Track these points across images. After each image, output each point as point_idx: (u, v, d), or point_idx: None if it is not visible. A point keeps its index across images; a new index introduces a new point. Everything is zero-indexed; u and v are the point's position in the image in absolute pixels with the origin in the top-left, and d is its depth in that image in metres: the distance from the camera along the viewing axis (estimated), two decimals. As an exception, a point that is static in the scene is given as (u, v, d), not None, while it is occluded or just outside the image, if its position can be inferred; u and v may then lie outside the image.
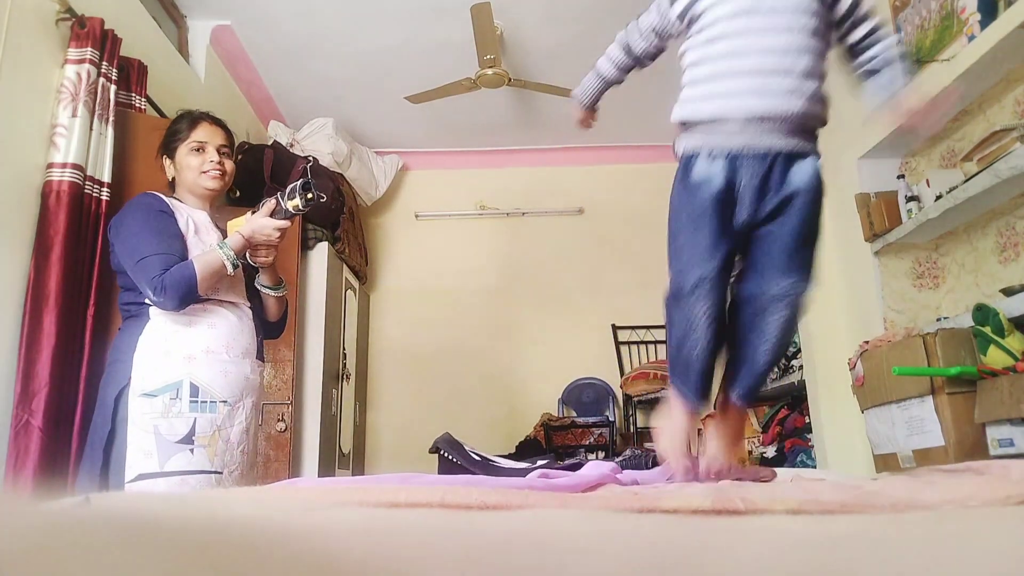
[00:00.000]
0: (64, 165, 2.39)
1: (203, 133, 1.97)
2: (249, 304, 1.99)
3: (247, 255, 1.89)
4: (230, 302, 1.89)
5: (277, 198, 1.86)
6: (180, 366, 1.74)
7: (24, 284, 2.29)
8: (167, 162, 1.99)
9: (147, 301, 1.77)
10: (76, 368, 2.35)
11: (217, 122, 2.03)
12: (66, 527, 0.22)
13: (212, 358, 1.78)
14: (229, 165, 1.99)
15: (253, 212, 1.89)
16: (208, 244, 1.88)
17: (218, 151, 1.97)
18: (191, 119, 1.99)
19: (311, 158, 4.12)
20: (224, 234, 1.94)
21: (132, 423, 1.68)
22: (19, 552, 0.20)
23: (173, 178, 1.99)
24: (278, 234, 1.86)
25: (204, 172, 1.93)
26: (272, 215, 1.85)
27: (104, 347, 2.47)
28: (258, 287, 2.02)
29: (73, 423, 2.29)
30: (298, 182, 1.83)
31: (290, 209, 1.84)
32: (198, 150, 1.95)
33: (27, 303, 2.26)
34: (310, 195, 1.83)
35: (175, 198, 1.94)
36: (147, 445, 1.66)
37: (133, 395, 1.70)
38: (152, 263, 1.72)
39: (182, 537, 0.24)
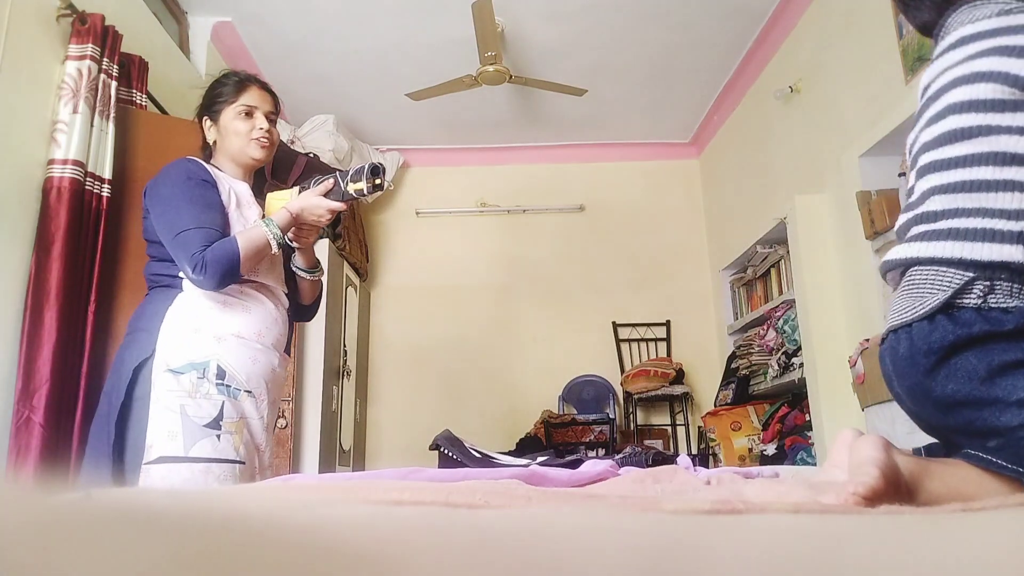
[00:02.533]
0: (65, 161, 2.39)
1: (253, 97, 1.80)
2: (286, 290, 1.87)
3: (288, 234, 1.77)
4: (267, 287, 1.78)
5: (336, 178, 1.73)
6: (209, 345, 1.63)
7: (25, 280, 2.30)
8: (208, 124, 1.82)
9: (181, 275, 1.66)
10: (77, 364, 2.35)
11: (265, 87, 1.86)
12: (66, 521, 0.22)
13: (242, 344, 1.67)
14: (276, 134, 1.85)
15: (301, 189, 1.76)
16: (249, 220, 1.75)
17: (267, 117, 1.82)
18: (238, 81, 1.82)
19: (312, 154, 4.13)
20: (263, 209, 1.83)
21: (156, 400, 1.57)
22: (19, 546, 0.20)
23: (212, 142, 1.82)
24: (329, 216, 1.73)
25: (253, 139, 1.78)
26: (328, 194, 1.72)
27: (105, 345, 2.47)
28: (293, 269, 1.90)
29: (74, 419, 2.30)
30: (366, 164, 1.70)
31: (351, 192, 1.71)
32: (247, 115, 1.79)
33: (28, 299, 2.26)
34: (379, 180, 1.70)
35: (214, 166, 1.80)
36: (172, 426, 1.55)
37: (158, 370, 1.59)
38: (192, 237, 1.59)
39: (183, 532, 0.24)
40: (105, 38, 2.59)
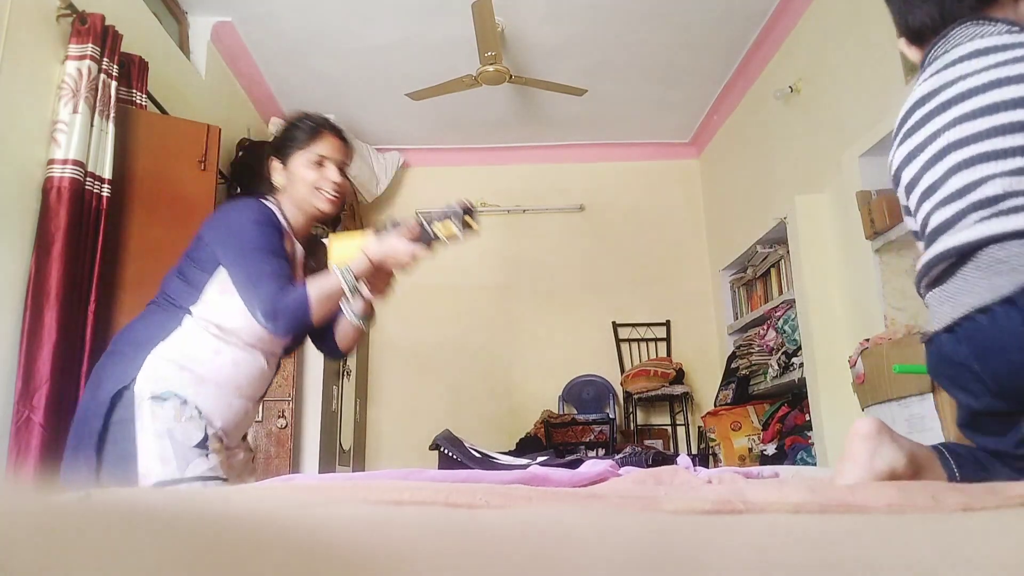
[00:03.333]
0: (65, 161, 2.39)
1: (326, 146, 1.72)
2: (284, 354, 1.75)
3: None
4: (267, 349, 1.68)
5: (422, 222, 1.59)
6: (190, 385, 1.58)
7: (25, 280, 2.30)
8: (276, 165, 1.74)
9: (191, 307, 1.60)
10: (77, 364, 2.35)
11: (340, 134, 1.78)
12: (66, 521, 0.22)
13: (220, 391, 1.61)
14: (346, 186, 1.76)
15: (377, 232, 1.63)
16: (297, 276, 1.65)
17: (339, 168, 1.73)
18: (313, 126, 1.74)
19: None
20: (323, 252, 1.72)
21: (142, 429, 1.53)
22: (19, 546, 0.20)
23: (279, 186, 1.74)
24: (412, 262, 1.60)
25: (321, 191, 1.69)
26: (412, 239, 1.59)
27: (105, 343, 2.47)
28: (346, 314, 1.73)
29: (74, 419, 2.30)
30: (455, 204, 1.57)
31: (441, 235, 1.57)
32: (318, 164, 1.70)
33: (28, 300, 2.26)
34: (471, 221, 1.57)
35: (278, 208, 1.71)
36: (163, 451, 1.52)
37: (140, 398, 1.55)
38: (269, 284, 1.53)
39: (182, 532, 0.24)
40: (105, 38, 2.59)
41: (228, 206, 1.69)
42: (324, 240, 1.80)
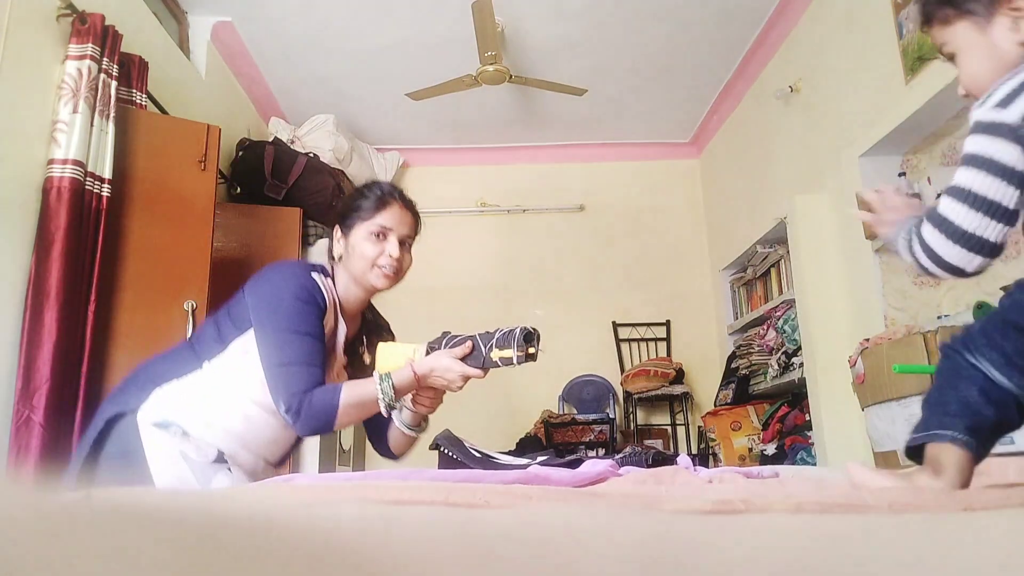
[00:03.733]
0: (65, 161, 2.39)
1: (390, 217, 1.60)
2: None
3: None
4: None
5: (477, 340, 1.50)
6: (195, 424, 1.49)
7: (25, 280, 2.29)
8: (338, 234, 1.65)
9: (209, 359, 1.53)
10: (77, 364, 2.35)
11: (408, 205, 1.67)
12: (66, 521, 0.22)
13: (229, 437, 1.53)
14: (407, 261, 1.65)
15: (429, 347, 1.54)
16: (336, 363, 1.57)
17: (401, 242, 1.62)
18: (380, 196, 1.62)
19: (312, 154, 4.12)
20: (377, 336, 1.65)
21: (153, 458, 1.45)
22: (19, 546, 0.20)
23: (338, 257, 1.65)
24: (461, 382, 1.50)
25: (378, 266, 1.59)
26: (465, 358, 1.50)
27: (105, 343, 2.48)
28: (395, 422, 1.66)
29: (74, 419, 2.30)
30: (517, 329, 1.48)
31: (495, 359, 1.48)
32: (379, 236, 1.59)
33: (28, 299, 2.26)
34: (532, 349, 1.48)
35: (331, 277, 1.62)
36: (180, 472, 1.44)
37: (143, 423, 1.46)
38: (297, 374, 1.44)
39: (182, 532, 0.24)
40: (105, 38, 2.59)
41: (274, 269, 1.59)
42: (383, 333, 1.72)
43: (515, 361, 1.47)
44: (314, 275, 1.57)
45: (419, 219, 1.70)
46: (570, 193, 5.26)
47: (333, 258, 1.66)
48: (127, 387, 1.55)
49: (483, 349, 1.49)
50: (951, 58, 1.09)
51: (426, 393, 1.57)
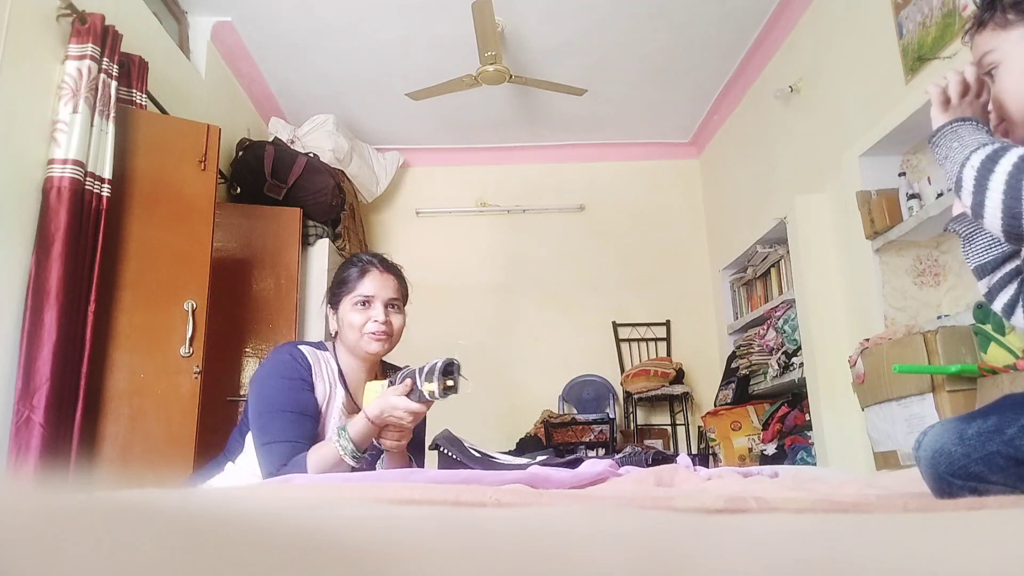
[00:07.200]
0: (65, 161, 2.39)
1: (370, 285, 1.68)
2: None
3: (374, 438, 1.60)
4: None
5: (415, 376, 1.53)
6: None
7: (25, 280, 2.29)
8: (331, 313, 1.74)
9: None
10: (77, 364, 2.35)
11: (390, 269, 1.74)
12: (66, 521, 0.22)
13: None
14: (398, 322, 1.71)
15: (390, 383, 1.59)
16: (335, 425, 1.64)
17: (386, 306, 1.68)
18: (360, 267, 1.70)
19: (312, 154, 4.12)
20: (352, 393, 1.71)
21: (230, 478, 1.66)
22: (19, 546, 0.20)
23: (334, 333, 1.74)
24: (410, 418, 1.53)
25: (367, 333, 1.66)
26: (410, 394, 1.54)
27: (105, 343, 2.48)
28: (379, 445, 1.71)
29: (74, 419, 2.29)
30: (439, 362, 1.49)
31: (424, 393, 1.50)
32: (363, 304, 1.67)
33: (28, 299, 2.26)
34: (450, 382, 1.48)
35: (327, 351, 1.71)
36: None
37: (228, 473, 1.67)
38: (278, 452, 1.54)
39: (182, 532, 0.24)
40: (105, 38, 2.59)
41: (267, 358, 1.68)
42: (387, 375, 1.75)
43: (437, 395, 1.48)
44: (303, 347, 1.67)
45: (404, 281, 1.76)
46: (570, 193, 5.26)
47: (332, 335, 1.75)
48: (220, 458, 1.72)
49: (419, 383, 1.52)
50: (991, 70, 1.03)
51: (389, 432, 1.59)
